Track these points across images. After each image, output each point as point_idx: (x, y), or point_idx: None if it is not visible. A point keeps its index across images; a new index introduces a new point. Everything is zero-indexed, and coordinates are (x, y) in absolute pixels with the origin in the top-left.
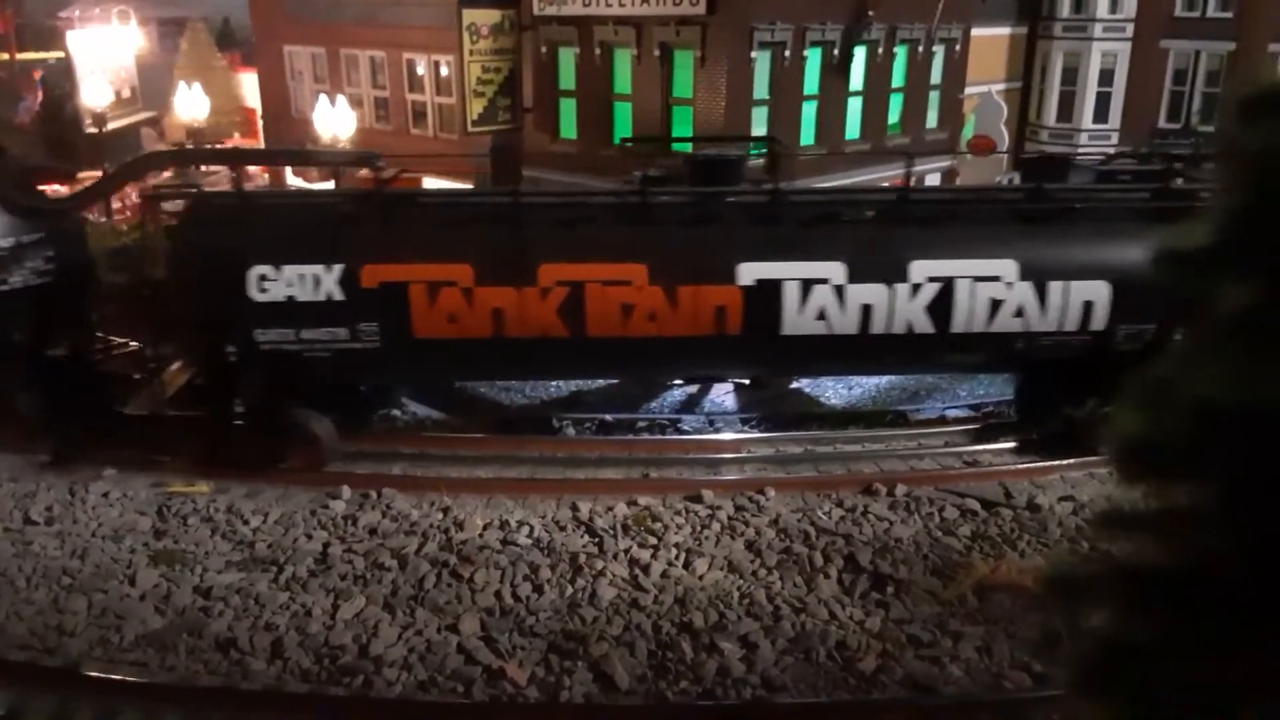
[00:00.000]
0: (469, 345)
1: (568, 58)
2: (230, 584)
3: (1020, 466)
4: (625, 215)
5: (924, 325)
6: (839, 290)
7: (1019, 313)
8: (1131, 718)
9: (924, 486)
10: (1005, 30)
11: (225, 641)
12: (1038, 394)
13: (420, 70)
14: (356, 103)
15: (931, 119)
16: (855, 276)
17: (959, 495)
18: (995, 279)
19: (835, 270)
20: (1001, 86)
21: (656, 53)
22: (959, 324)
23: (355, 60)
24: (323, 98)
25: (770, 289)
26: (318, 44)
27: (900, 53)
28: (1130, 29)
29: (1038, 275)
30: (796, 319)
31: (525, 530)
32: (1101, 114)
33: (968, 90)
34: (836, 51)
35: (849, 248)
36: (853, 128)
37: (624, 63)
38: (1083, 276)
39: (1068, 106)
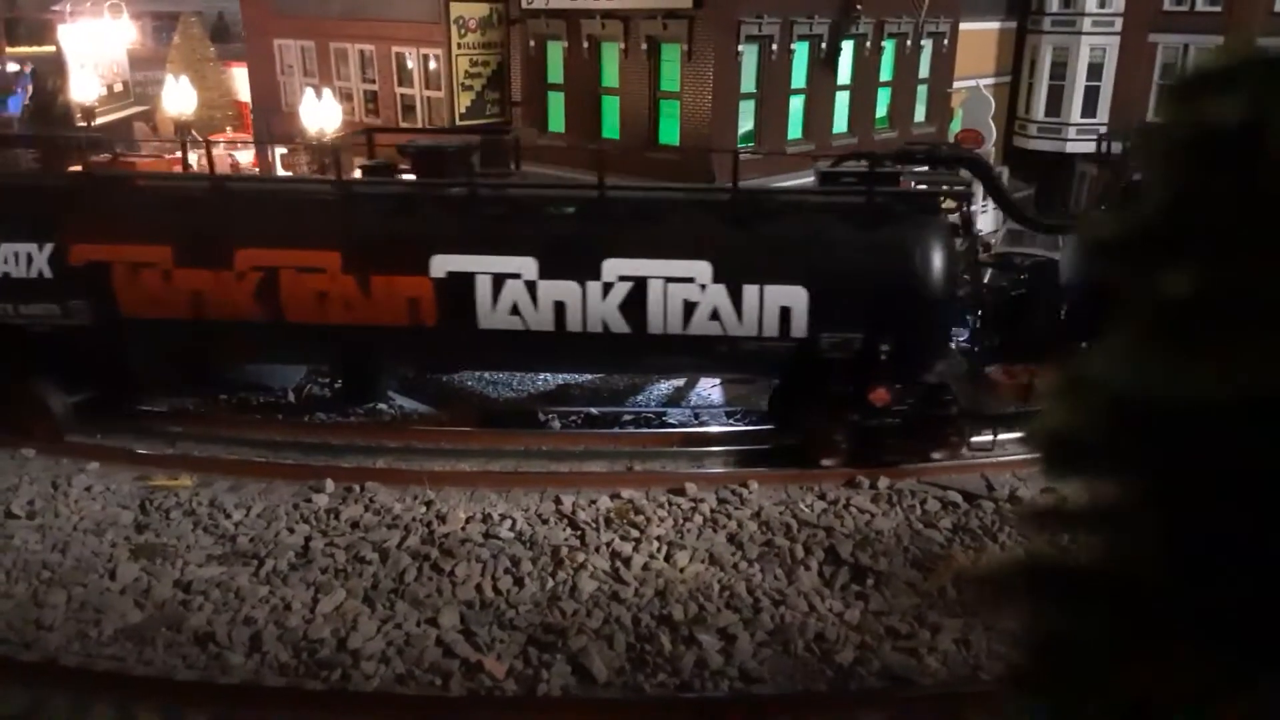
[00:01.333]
0: (171, 326)
1: (556, 51)
2: (211, 578)
3: (1003, 459)
4: (325, 204)
5: (619, 325)
6: (531, 286)
7: (714, 316)
8: (1067, 717)
9: (907, 479)
10: (994, 24)
11: (204, 635)
12: (788, 400)
13: (409, 64)
14: (346, 96)
15: (920, 113)
16: (547, 272)
17: (941, 487)
18: (689, 280)
19: (528, 265)
20: (990, 81)
21: (644, 46)
22: (654, 326)
23: (345, 54)
24: (309, 91)
25: (464, 282)
26: (307, 37)
27: (888, 47)
28: (1119, 23)
29: (732, 278)
30: (490, 313)
31: (508, 523)
32: (1090, 108)
33: (956, 84)
34: (824, 45)
35: (543, 243)
36: (840, 122)
37: (611, 56)
38: (779, 281)
39: (1056, 101)
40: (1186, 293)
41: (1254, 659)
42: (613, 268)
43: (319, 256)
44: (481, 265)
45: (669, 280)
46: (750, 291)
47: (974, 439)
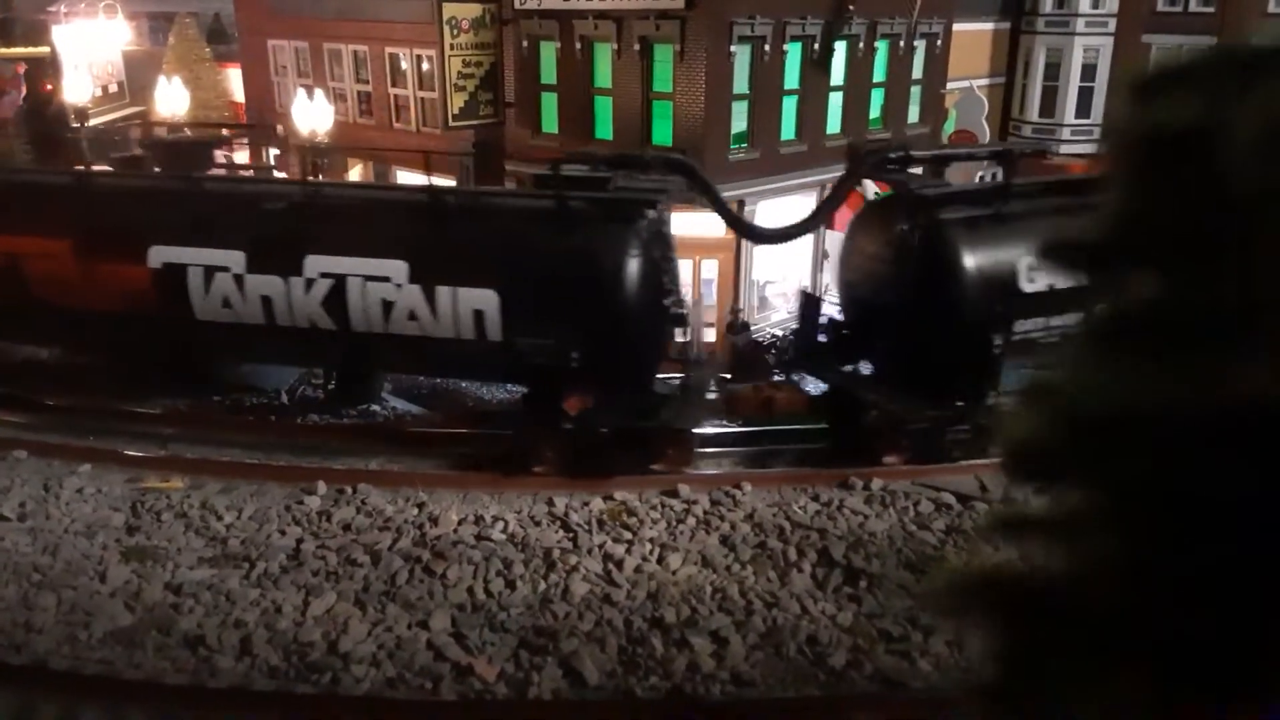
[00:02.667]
0: None
1: (548, 52)
2: (201, 580)
3: (997, 460)
4: (60, 192)
5: (325, 322)
6: (239, 279)
7: (412, 316)
8: None
9: (900, 480)
10: (988, 25)
11: (194, 638)
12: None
13: (403, 64)
14: (340, 97)
15: (913, 114)
16: (254, 267)
17: (934, 489)
18: (386, 279)
19: (236, 259)
20: (984, 82)
21: (636, 47)
22: (356, 323)
23: (338, 55)
24: (301, 91)
25: (177, 273)
26: (301, 38)
27: (881, 47)
28: (1112, 24)
29: (427, 279)
30: (204, 305)
31: (500, 525)
32: (1084, 109)
33: (950, 85)
34: (817, 46)
35: (251, 237)
36: (834, 123)
37: (604, 57)
38: (471, 283)
39: (1050, 102)
40: (1146, 299)
41: (1211, 683)
42: (315, 264)
43: (49, 245)
44: (193, 257)
45: (367, 279)
46: (444, 293)
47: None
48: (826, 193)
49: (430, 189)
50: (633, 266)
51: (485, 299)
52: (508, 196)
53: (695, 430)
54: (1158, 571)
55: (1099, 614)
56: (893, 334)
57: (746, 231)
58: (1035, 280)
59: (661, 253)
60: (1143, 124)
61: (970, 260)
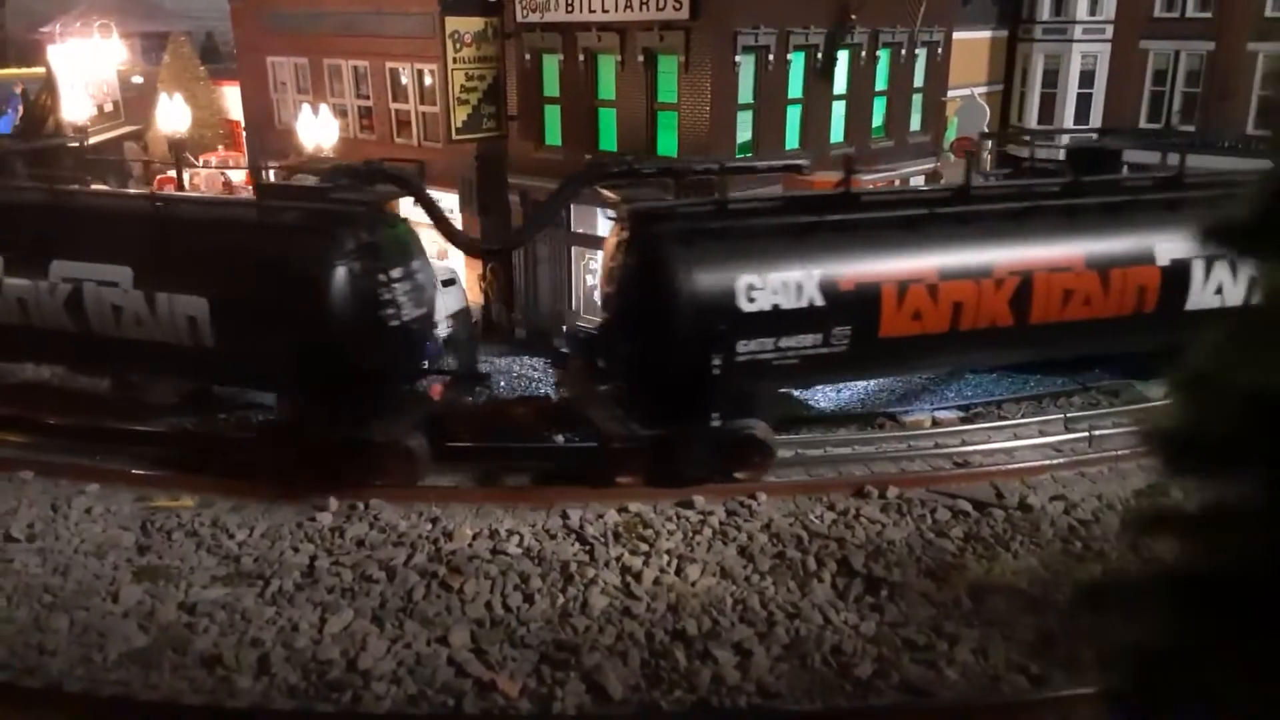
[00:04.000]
0: None
1: (551, 64)
2: (216, 599)
3: (1011, 467)
4: None
5: (67, 324)
6: None
7: (138, 321)
8: None
9: (915, 488)
10: (986, 33)
11: (210, 658)
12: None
13: (404, 79)
14: (340, 113)
15: (915, 122)
16: (9, 270)
17: (950, 496)
18: (115, 285)
19: None
20: (983, 89)
21: (640, 58)
22: (96, 327)
23: (338, 70)
24: (305, 107)
25: None
26: (301, 54)
27: (883, 56)
28: (1110, 30)
29: (148, 285)
30: None
31: (515, 539)
32: (1083, 115)
33: (950, 93)
34: (820, 55)
35: (6, 242)
36: (837, 131)
37: (608, 69)
38: (185, 290)
39: (1049, 108)
40: None
41: None
42: (59, 269)
43: None
44: None
45: (100, 284)
46: (163, 299)
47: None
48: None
49: (154, 196)
50: (333, 277)
51: (197, 306)
52: (227, 206)
53: (413, 445)
54: None
55: (1261, 606)
56: (616, 351)
57: (464, 244)
58: (756, 300)
59: (377, 263)
60: None
61: (685, 278)
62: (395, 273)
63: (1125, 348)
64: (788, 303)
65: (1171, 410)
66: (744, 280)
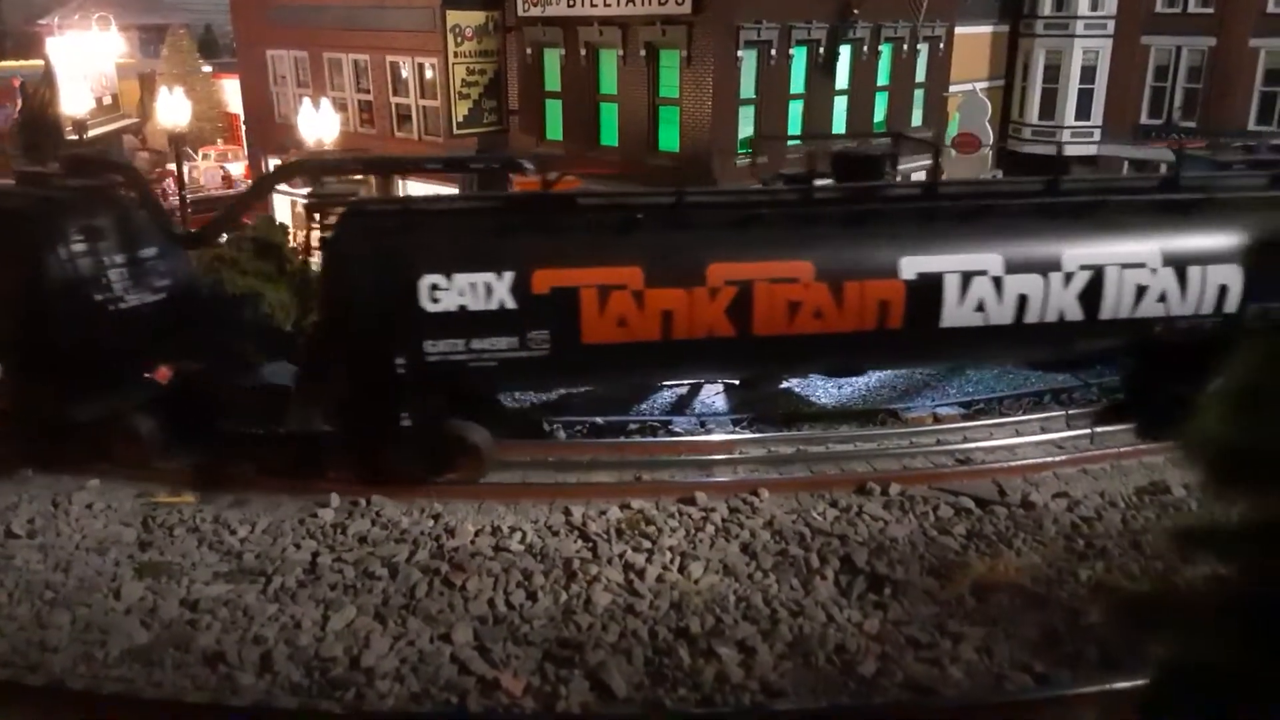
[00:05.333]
0: None
1: (553, 59)
2: (218, 596)
3: (1013, 464)
4: None
5: None
6: None
7: None
8: None
9: (918, 485)
10: (986, 28)
11: (213, 655)
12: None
13: (404, 73)
14: (340, 106)
15: (916, 117)
16: None
17: (953, 493)
18: None
19: None
20: (984, 84)
21: (642, 53)
22: None
23: (339, 64)
24: (306, 101)
25: None
26: (301, 48)
27: (885, 51)
28: (1111, 26)
29: None
30: None
31: (517, 536)
32: (1084, 111)
33: (952, 88)
34: (822, 50)
35: None
36: (839, 126)
37: (609, 63)
38: None
39: (1050, 104)
40: None
41: None
42: None
43: None
44: None
45: None
46: None
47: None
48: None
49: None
50: (46, 259)
51: None
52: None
53: (142, 427)
54: None
55: None
56: (313, 346)
57: (173, 239)
58: (440, 301)
59: (98, 247)
60: None
61: (362, 276)
62: (119, 258)
63: (875, 365)
64: (476, 304)
65: (1217, 423)
66: (428, 280)
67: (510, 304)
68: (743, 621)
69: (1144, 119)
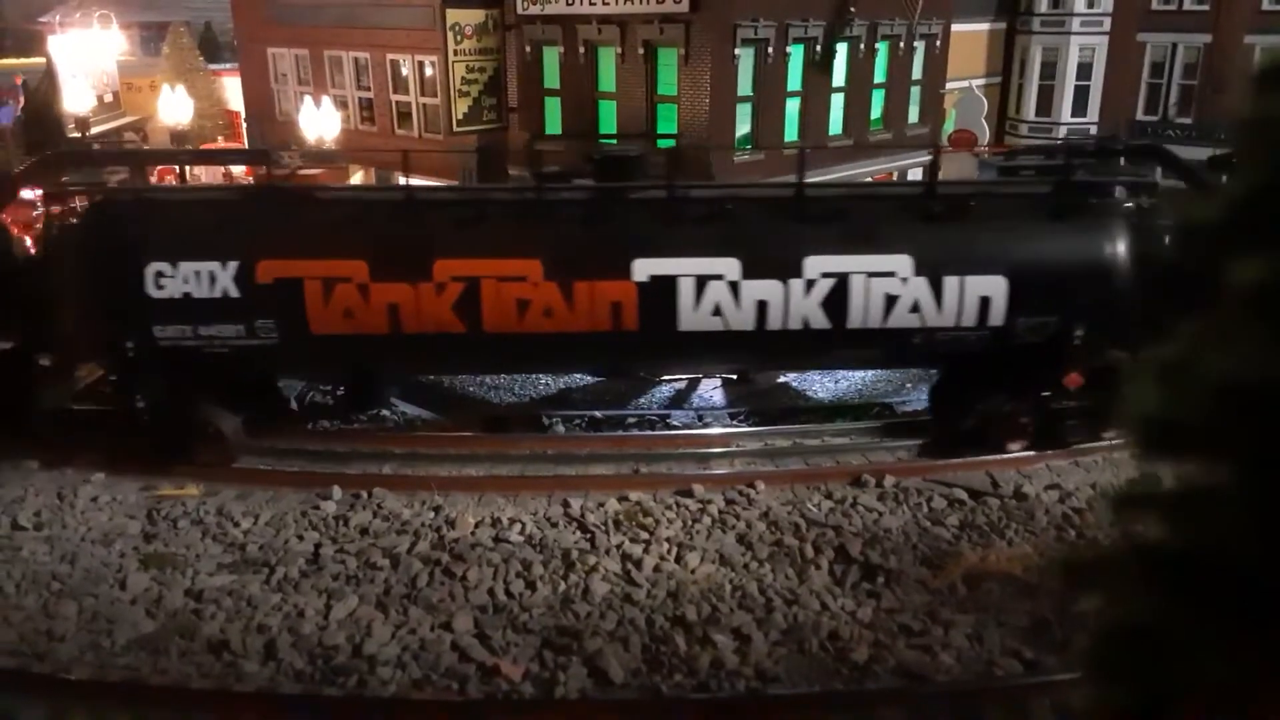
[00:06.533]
0: None
1: (552, 57)
2: (222, 586)
3: (1006, 456)
4: None
5: None
6: None
7: None
8: (1142, 705)
9: (911, 477)
10: (983, 26)
11: (218, 644)
12: None
13: (405, 71)
14: (341, 104)
15: (913, 114)
16: None
17: (946, 485)
18: None
19: None
20: (980, 81)
21: (640, 51)
22: None
23: (339, 62)
24: (307, 99)
25: None
26: (301, 46)
27: (882, 49)
28: (1107, 23)
29: None
30: None
31: (517, 527)
32: (1080, 107)
33: (948, 85)
34: (819, 48)
35: None
36: (835, 124)
37: (608, 61)
38: None
39: (1046, 100)
40: (1267, 277)
41: None
42: None
43: None
44: None
45: None
46: None
47: None
48: None
49: None
50: None
51: None
52: None
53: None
54: None
55: (1239, 582)
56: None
57: None
58: (166, 287)
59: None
60: (1269, 111)
61: (92, 261)
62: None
63: (615, 367)
64: (200, 292)
65: (1145, 396)
66: (154, 268)
67: (234, 293)
68: (738, 610)
69: (1140, 115)
